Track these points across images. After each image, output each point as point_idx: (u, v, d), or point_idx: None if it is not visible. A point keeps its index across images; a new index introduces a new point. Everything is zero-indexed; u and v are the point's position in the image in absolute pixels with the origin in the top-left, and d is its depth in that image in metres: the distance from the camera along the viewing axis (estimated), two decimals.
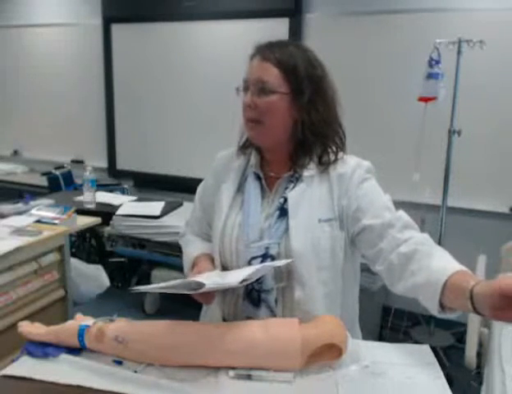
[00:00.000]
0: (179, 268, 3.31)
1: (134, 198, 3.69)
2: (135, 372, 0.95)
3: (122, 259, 3.67)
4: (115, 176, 4.41)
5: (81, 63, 4.38)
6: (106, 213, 3.20)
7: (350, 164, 1.16)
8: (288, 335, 0.95)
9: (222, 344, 0.95)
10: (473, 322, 2.02)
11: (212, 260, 1.22)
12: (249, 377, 0.93)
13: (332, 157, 1.16)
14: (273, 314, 1.13)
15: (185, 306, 3.25)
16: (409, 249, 1.04)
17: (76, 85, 4.42)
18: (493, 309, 0.80)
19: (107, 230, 3.33)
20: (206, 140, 3.92)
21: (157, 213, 3.27)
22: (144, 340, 0.99)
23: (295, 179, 1.17)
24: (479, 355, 2.22)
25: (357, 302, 1.26)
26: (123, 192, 4.13)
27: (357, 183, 1.13)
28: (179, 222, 3.22)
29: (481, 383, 1.94)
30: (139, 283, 3.68)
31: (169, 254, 3.24)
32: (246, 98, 1.13)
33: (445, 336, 2.97)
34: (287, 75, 1.11)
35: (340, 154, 1.18)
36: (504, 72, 2.91)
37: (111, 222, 3.29)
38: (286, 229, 1.12)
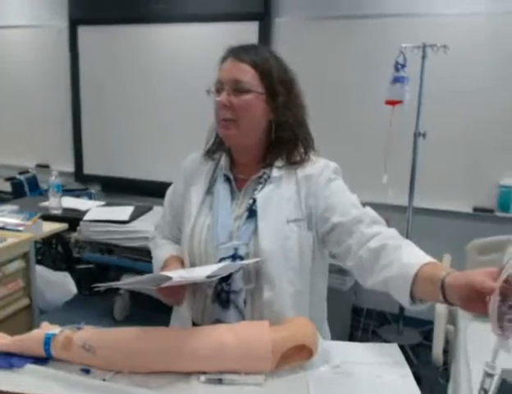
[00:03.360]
0: (149, 274, 3.29)
1: (102, 203, 3.63)
2: (104, 380, 0.93)
3: (90, 266, 3.60)
4: (82, 181, 4.33)
5: (46, 66, 4.28)
6: (72, 219, 3.13)
7: (318, 165, 1.18)
8: (258, 337, 0.95)
9: (193, 349, 0.94)
10: (440, 320, 2.07)
11: (183, 262, 1.21)
12: (220, 381, 0.92)
13: (300, 158, 1.18)
14: (242, 316, 1.13)
15: (154, 312, 3.22)
16: (378, 243, 1.06)
17: (41, 88, 4.32)
18: (463, 300, 0.82)
19: (74, 236, 3.27)
20: (175, 144, 3.89)
21: (126, 217, 3.23)
22: (112, 347, 0.97)
23: (264, 180, 1.18)
24: (446, 352, 2.27)
25: (325, 301, 1.28)
26: (90, 197, 4.05)
27: (324, 183, 1.15)
28: (148, 226, 3.18)
29: (448, 380, 1.99)
30: (107, 290, 3.61)
31: (138, 260, 3.19)
32: (222, 98, 1.13)
33: (414, 335, 3.03)
34: (262, 76, 1.14)
35: (308, 156, 1.19)
36: (466, 76, 3.00)
37: (78, 228, 3.23)
38: (255, 230, 1.12)
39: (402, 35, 2.94)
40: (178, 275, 0.99)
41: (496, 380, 0.77)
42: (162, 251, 1.29)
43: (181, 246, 1.24)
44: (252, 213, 1.14)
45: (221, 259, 1.13)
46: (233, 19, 3.53)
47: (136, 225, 3.21)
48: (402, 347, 1.09)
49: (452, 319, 2.41)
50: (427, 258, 0.99)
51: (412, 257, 1.00)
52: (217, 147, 1.26)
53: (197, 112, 3.80)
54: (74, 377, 0.93)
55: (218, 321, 1.12)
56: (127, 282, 1.04)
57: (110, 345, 0.97)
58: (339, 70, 3.21)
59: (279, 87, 1.15)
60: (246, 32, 3.48)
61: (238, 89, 1.12)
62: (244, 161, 1.22)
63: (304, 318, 1.07)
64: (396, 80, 2.72)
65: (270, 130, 1.17)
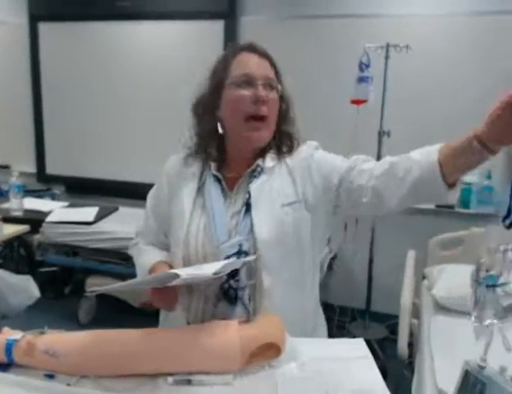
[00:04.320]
0: (116, 275, 3.25)
1: (66, 203, 3.55)
2: (68, 385, 0.91)
3: (54, 268, 3.52)
4: (44, 182, 4.21)
5: (6, 63, 4.13)
6: (35, 221, 3.06)
7: (301, 150, 1.21)
8: (227, 337, 0.95)
9: (160, 351, 0.93)
10: (404, 314, 2.12)
11: (171, 267, 1.17)
12: (188, 382, 0.91)
13: (288, 148, 1.21)
14: (247, 311, 1.12)
15: (121, 314, 3.18)
16: (383, 167, 1.07)
17: (0, 86, 4.18)
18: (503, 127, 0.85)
19: (37, 238, 3.19)
20: (141, 143, 3.84)
21: (91, 218, 3.18)
22: (76, 351, 0.95)
23: (258, 173, 1.18)
24: (411, 345, 2.33)
25: (317, 288, 1.28)
26: (53, 198, 3.95)
27: (311, 159, 1.18)
28: (114, 227, 3.14)
29: (413, 372, 2.04)
30: (72, 293, 3.54)
31: (105, 262, 3.14)
32: (260, 92, 1.12)
33: (380, 329, 3.09)
34: (278, 77, 1.19)
35: (296, 144, 1.22)
36: (428, 76, 3.08)
37: (41, 230, 3.15)
38: (252, 221, 1.12)
39: (366, 35, 2.99)
40: (185, 272, 0.96)
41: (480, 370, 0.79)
42: (148, 257, 1.25)
43: (172, 251, 1.20)
44: (248, 207, 1.14)
45: (227, 257, 1.10)
46: (198, 17, 3.51)
47: (102, 226, 3.16)
48: (369, 342, 1.10)
49: (416, 313, 2.47)
50: (437, 145, 0.99)
51: (423, 152, 1.01)
52: (206, 146, 1.22)
53: (162, 110, 3.78)
54: (37, 382, 0.91)
55: (223, 320, 1.09)
56: (127, 284, 1.01)
57: (74, 349, 0.95)
58: (304, 69, 3.22)
59: (283, 84, 1.20)
60: (212, 31, 3.47)
61: (270, 85, 1.14)
62: (241, 159, 1.20)
63: (272, 316, 1.08)
64: (361, 79, 2.76)
65: (275, 125, 1.20)
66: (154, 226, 1.30)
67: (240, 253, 1.11)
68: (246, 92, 1.12)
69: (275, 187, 1.16)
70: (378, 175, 1.07)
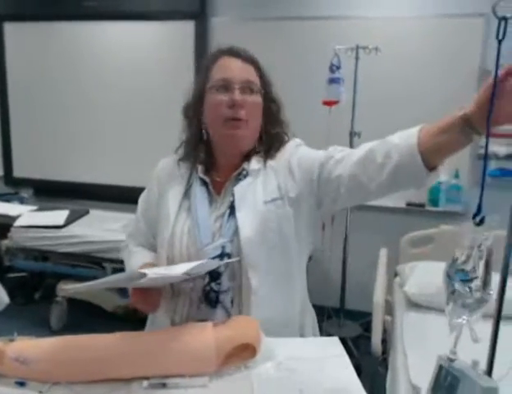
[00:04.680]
0: (87, 280, 3.17)
1: (35, 207, 3.47)
2: (40, 392, 0.89)
3: (23, 274, 3.43)
4: (12, 185, 4.11)
5: None
6: (3, 225, 3.00)
7: (286, 150, 1.21)
8: (201, 339, 0.95)
9: (134, 355, 0.92)
10: (378, 311, 2.15)
11: None
12: (163, 385, 0.90)
13: (275, 150, 1.21)
14: (228, 315, 1.12)
15: (93, 319, 3.13)
16: (360, 154, 1.05)
17: None
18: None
19: (5, 243, 3.11)
20: (111, 144, 3.79)
21: (61, 222, 3.12)
22: (47, 358, 0.92)
23: (243, 176, 1.18)
24: (385, 342, 2.36)
25: (305, 289, 1.28)
26: (22, 201, 3.85)
27: (294, 157, 1.18)
28: (85, 231, 3.09)
29: (387, 369, 2.07)
30: (43, 298, 3.46)
31: (76, 266, 3.08)
32: (236, 96, 1.12)
33: (354, 327, 3.13)
34: (262, 80, 1.18)
35: (282, 146, 1.22)
36: (397, 77, 3.13)
37: (9, 235, 3.08)
38: (236, 223, 1.12)
39: (336, 37, 3.02)
40: (153, 272, 0.95)
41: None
42: (136, 259, 1.26)
43: (159, 253, 1.20)
44: (233, 209, 1.14)
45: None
46: (168, 17, 3.48)
47: (72, 229, 3.11)
48: (343, 340, 1.11)
49: (390, 310, 2.51)
50: (418, 126, 0.98)
51: (402, 135, 0.99)
52: (193, 149, 1.24)
53: (131, 112, 3.74)
54: (8, 390, 0.88)
55: (204, 321, 1.08)
56: (98, 282, 0.99)
57: (45, 356, 0.93)
58: (275, 71, 3.19)
59: (271, 91, 1.20)
60: (182, 31, 3.45)
61: (249, 89, 1.14)
62: (227, 162, 1.21)
63: (247, 316, 1.08)
64: (332, 80, 2.79)
65: (261, 131, 1.20)
66: (144, 228, 1.31)
67: (222, 255, 1.11)
68: (223, 97, 1.13)
69: (259, 187, 1.16)
70: (356, 161, 1.05)
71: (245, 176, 1.18)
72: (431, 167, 0.96)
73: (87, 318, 3.19)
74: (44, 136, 3.97)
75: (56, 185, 3.97)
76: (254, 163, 1.19)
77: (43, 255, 3.14)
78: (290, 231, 1.15)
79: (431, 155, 0.95)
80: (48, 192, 4.01)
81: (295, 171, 1.16)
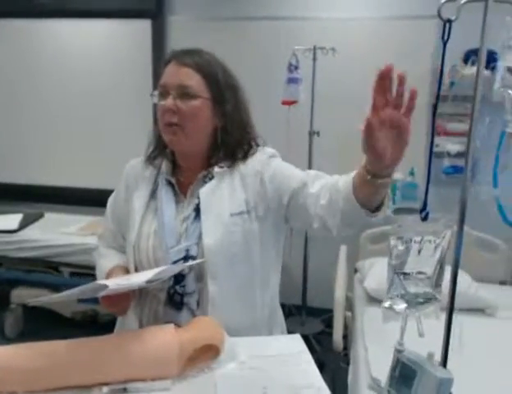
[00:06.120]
0: (44, 285, 3.09)
1: None
2: None
3: None
4: None
5: None
6: None
7: (257, 156, 1.20)
8: (163, 342, 0.93)
9: (93, 361, 0.90)
10: (338, 307, 2.19)
11: (128, 272, 1.18)
12: (124, 390, 0.89)
13: (243, 155, 1.20)
14: (194, 317, 1.11)
15: (50, 326, 3.03)
16: (326, 196, 1.07)
17: None
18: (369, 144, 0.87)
19: None
20: (65, 146, 3.67)
21: (15, 226, 3.02)
22: (1, 367, 0.89)
23: (208, 179, 1.18)
24: (346, 337, 2.41)
25: (277, 295, 1.29)
26: None
27: (266, 169, 1.17)
28: (40, 235, 2.99)
29: (349, 364, 2.11)
30: None
31: (31, 271, 2.98)
32: (167, 102, 1.11)
33: (316, 324, 3.17)
34: (208, 81, 1.14)
35: (252, 151, 1.21)
36: (354, 77, 3.18)
37: None
38: (201, 229, 1.12)
39: (295, 37, 3.05)
40: (114, 282, 0.95)
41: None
42: (106, 261, 1.25)
43: (127, 254, 1.20)
44: (198, 212, 1.14)
45: (174, 262, 1.11)
46: (125, 16, 3.40)
47: (26, 233, 3.01)
48: (306, 337, 1.13)
49: (350, 306, 2.56)
50: (354, 172, 1.01)
51: (346, 181, 1.03)
52: (158, 152, 1.23)
53: (87, 112, 3.64)
54: None
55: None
56: (61, 295, 0.97)
57: (0, 364, 0.89)
58: (234, 70, 3.21)
59: (225, 92, 1.16)
60: (139, 30, 3.39)
61: (184, 94, 1.11)
62: (188, 165, 1.21)
63: (208, 317, 1.07)
64: (290, 80, 2.82)
65: (215, 134, 1.17)
66: (112, 228, 1.31)
67: (187, 258, 1.11)
68: (161, 103, 1.13)
69: (225, 194, 1.16)
70: (323, 205, 1.07)
71: (210, 179, 1.18)
72: (374, 209, 0.99)
73: (44, 324, 3.08)
74: None
75: (7, 187, 3.81)
76: (218, 168, 1.18)
77: None
78: (254, 245, 1.16)
79: (366, 201, 0.98)
80: (0, 195, 3.86)
81: (267, 187, 1.16)
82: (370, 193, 0.96)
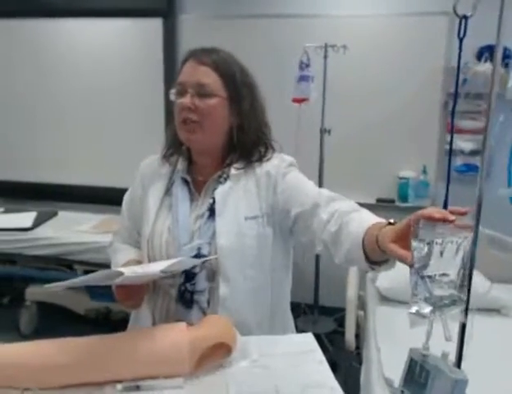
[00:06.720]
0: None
1: (1, 209, 3.38)
2: None
3: None
4: None
5: None
6: None
7: (274, 162, 1.20)
8: (175, 340, 0.94)
9: (106, 359, 0.91)
10: (351, 307, 2.18)
11: None
12: (137, 388, 0.89)
13: (259, 157, 1.20)
14: (204, 315, 1.12)
15: (65, 323, 3.06)
16: (337, 224, 1.05)
17: None
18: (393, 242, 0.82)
19: None
20: (78, 143, 3.70)
21: (29, 224, 3.04)
22: (16, 364, 0.90)
23: (224, 179, 1.18)
24: (358, 336, 2.39)
25: (288, 297, 1.30)
26: None
27: (281, 178, 1.17)
28: (54, 233, 3.02)
29: (361, 363, 2.10)
30: (12, 302, 3.37)
31: (45, 269, 3.00)
32: (185, 100, 1.12)
33: (328, 323, 3.16)
34: (225, 80, 1.15)
35: (269, 154, 1.21)
36: (365, 74, 3.17)
37: None
38: (215, 229, 1.13)
39: (306, 35, 3.04)
40: (131, 270, 0.95)
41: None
42: (121, 256, 1.27)
43: (141, 250, 1.22)
44: (212, 212, 1.14)
45: None
46: (136, 14, 3.42)
47: (40, 231, 3.03)
48: (318, 336, 1.13)
49: (362, 305, 2.54)
50: (372, 221, 0.98)
51: (360, 225, 1.00)
52: (174, 149, 1.24)
53: (99, 110, 3.67)
54: None
55: (181, 321, 1.07)
56: (78, 281, 0.98)
57: (13, 362, 0.90)
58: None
59: (242, 91, 1.17)
60: (150, 28, 3.40)
61: (201, 92, 1.12)
62: (203, 162, 1.22)
63: (220, 316, 1.07)
64: (301, 78, 2.81)
65: (232, 132, 1.18)
66: (128, 224, 1.32)
67: (198, 256, 1.12)
68: (179, 101, 1.14)
69: (240, 197, 1.16)
70: (331, 231, 1.06)
71: (225, 179, 1.18)
72: (378, 262, 0.96)
73: (58, 321, 3.12)
74: (10, 136, 3.85)
75: (22, 186, 3.85)
76: (234, 169, 1.18)
77: (10, 259, 3.03)
78: (266, 249, 1.17)
79: (373, 254, 0.95)
80: (14, 193, 3.89)
81: (279, 196, 1.16)
82: (379, 255, 0.93)
